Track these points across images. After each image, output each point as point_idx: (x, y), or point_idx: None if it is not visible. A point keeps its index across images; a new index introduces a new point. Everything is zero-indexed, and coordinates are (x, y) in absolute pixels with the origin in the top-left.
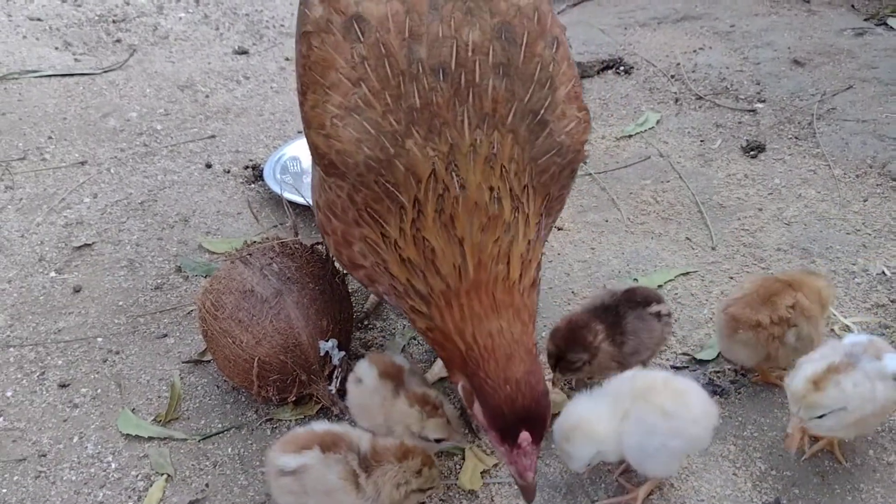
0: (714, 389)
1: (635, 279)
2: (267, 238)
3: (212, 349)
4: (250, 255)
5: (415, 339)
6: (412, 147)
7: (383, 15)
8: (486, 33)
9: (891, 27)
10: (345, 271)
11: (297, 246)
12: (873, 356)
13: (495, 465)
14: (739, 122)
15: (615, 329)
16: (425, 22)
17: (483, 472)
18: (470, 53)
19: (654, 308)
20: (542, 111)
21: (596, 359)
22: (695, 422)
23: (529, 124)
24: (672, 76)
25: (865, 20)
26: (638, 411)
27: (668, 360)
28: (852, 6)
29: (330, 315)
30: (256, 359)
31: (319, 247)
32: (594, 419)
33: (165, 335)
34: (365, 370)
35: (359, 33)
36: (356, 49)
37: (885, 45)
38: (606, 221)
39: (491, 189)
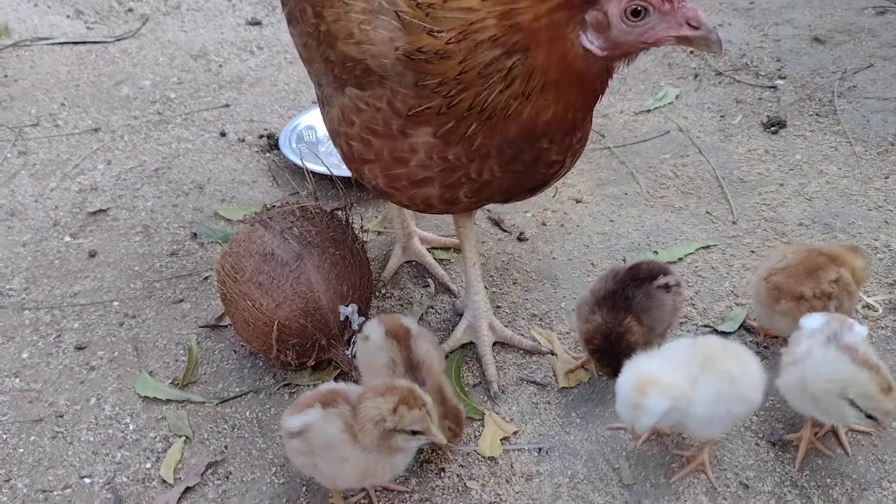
0: None
1: (655, 252)
2: (287, 202)
3: (230, 312)
4: (270, 218)
5: (432, 308)
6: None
7: None
8: None
9: None
10: (366, 235)
11: (317, 210)
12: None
13: (515, 433)
14: (760, 99)
15: (628, 312)
16: None
17: (503, 440)
18: None
19: (661, 280)
20: None
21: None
22: (755, 386)
23: None
24: (691, 52)
25: None
26: (707, 378)
27: (689, 332)
28: None
29: (350, 280)
30: (276, 322)
31: (339, 213)
32: (671, 375)
33: (182, 300)
34: (373, 327)
35: None
36: None
37: None
38: (626, 195)
39: None
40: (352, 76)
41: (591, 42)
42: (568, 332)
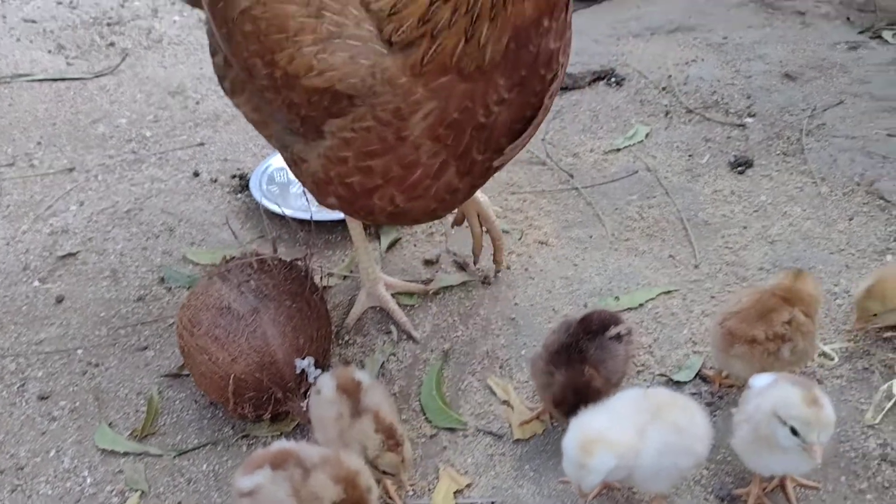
0: None
1: (616, 297)
2: (245, 253)
3: (189, 365)
4: (228, 271)
5: (394, 356)
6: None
7: None
8: None
9: (885, 40)
10: (331, 280)
11: (275, 262)
12: None
13: (468, 486)
14: (728, 137)
15: (585, 363)
16: None
17: (456, 492)
18: None
19: (613, 331)
20: None
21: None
22: (701, 439)
23: None
24: (663, 88)
25: (860, 33)
26: (655, 428)
27: (645, 381)
28: (847, 18)
29: (307, 333)
30: (232, 376)
31: (299, 262)
32: (616, 432)
33: (146, 347)
34: (325, 382)
35: None
36: None
37: (879, 59)
38: (591, 237)
39: None
40: (321, 110)
41: None
42: (526, 381)
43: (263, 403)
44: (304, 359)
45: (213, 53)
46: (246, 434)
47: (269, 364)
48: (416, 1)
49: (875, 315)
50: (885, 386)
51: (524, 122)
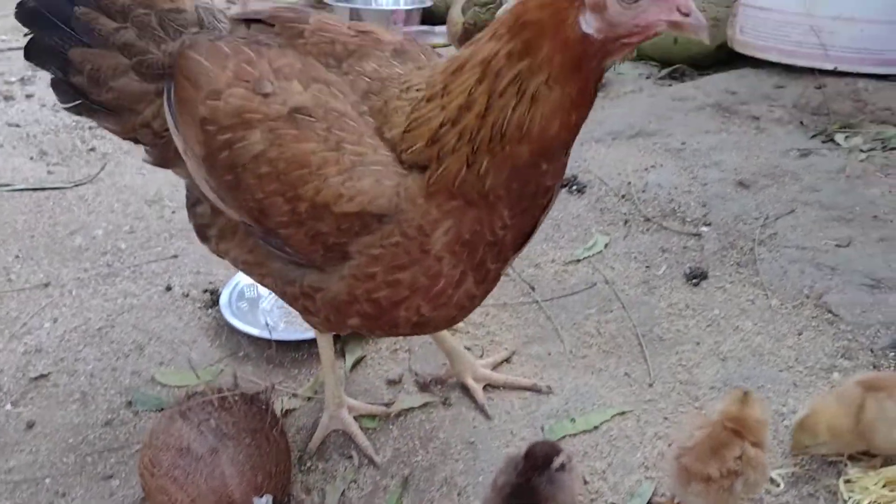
0: None
1: (573, 419)
2: (207, 389)
3: None
4: (189, 409)
5: (355, 483)
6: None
7: (312, 95)
8: (381, 59)
9: (837, 144)
10: (296, 401)
11: (236, 398)
12: None
13: None
14: (684, 247)
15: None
16: (335, 83)
17: None
18: (378, 70)
19: (557, 462)
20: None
21: None
22: None
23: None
24: (623, 196)
25: (813, 137)
26: None
27: None
28: (801, 122)
29: (265, 469)
30: None
31: (261, 395)
32: None
33: (111, 476)
34: None
35: (306, 117)
36: (315, 128)
37: (829, 166)
38: (549, 354)
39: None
40: (351, 234)
41: (588, 24)
42: None
43: None
44: (262, 497)
45: (195, 205)
46: None
47: None
48: (427, 122)
49: (807, 447)
50: None
51: (526, 237)
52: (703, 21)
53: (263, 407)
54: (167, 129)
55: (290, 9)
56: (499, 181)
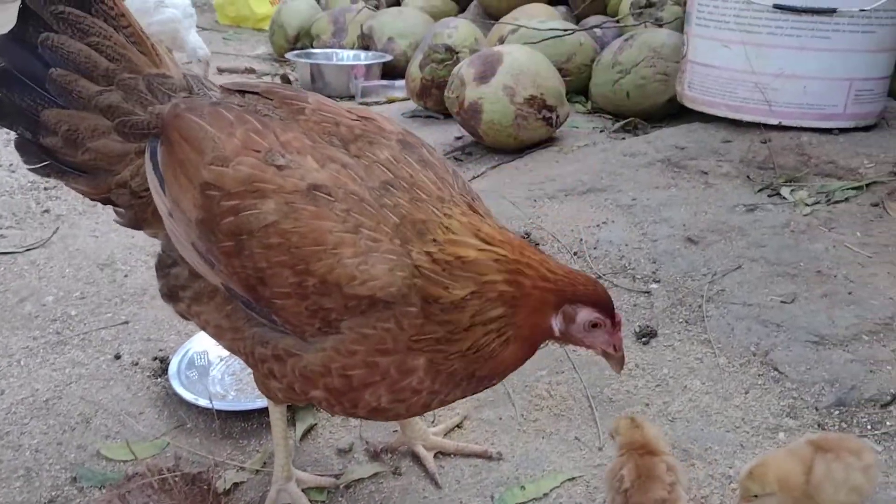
0: None
1: (523, 487)
2: (148, 469)
3: None
4: (129, 492)
5: None
6: (432, 249)
7: (330, 175)
8: (392, 148)
9: (783, 197)
10: (243, 474)
11: (176, 480)
12: None
13: None
14: (634, 305)
15: None
16: (352, 167)
17: None
18: (393, 164)
19: None
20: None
21: None
22: None
23: (460, 179)
24: (575, 253)
25: (759, 191)
26: None
27: None
28: (748, 177)
29: None
30: None
31: (203, 475)
32: None
33: None
34: None
35: (326, 196)
36: (334, 207)
37: (774, 221)
38: (500, 419)
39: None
40: (356, 312)
41: (555, 324)
42: None
43: None
44: None
45: (170, 266)
46: None
47: None
48: (438, 283)
49: (755, 496)
50: None
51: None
52: (622, 360)
53: (205, 487)
54: (146, 190)
55: (285, 86)
56: (464, 375)
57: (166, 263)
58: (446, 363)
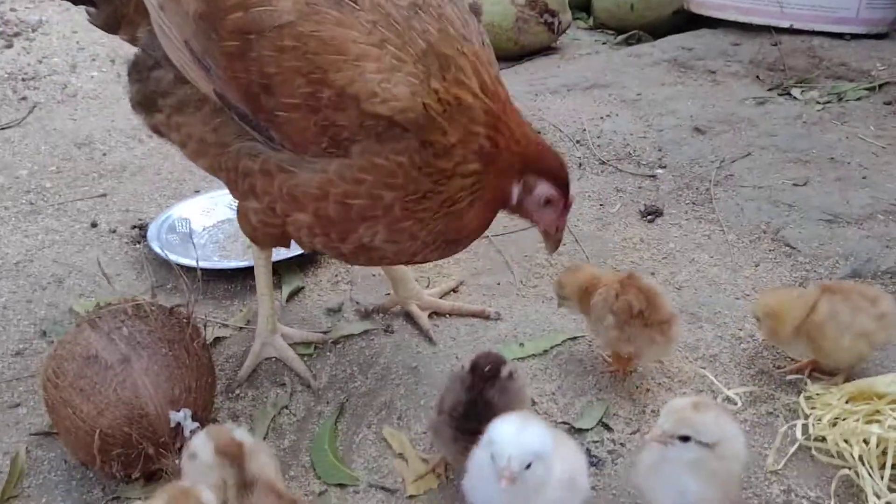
0: (591, 460)
1: (521, 344)
2: (123, 300)
3: (54, 420)
4: (99, 318)
5: (287, 409)
6: (438, 87)
7: None
8: None
9: (794, 97)
10: (227, 331)
11: (152, 308)
12: None
13: None
14: (639, 187)
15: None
16: None
17: None
18: None
19: (505, 371)
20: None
21: None
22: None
23: (476, 23)
24: (577, 141)
25: (769, 90)
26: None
27: None
28: (757, 77)
29: (184, 383)
30: (98, 431)
31: (181, 308)
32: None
33: (18, 404)
34: (201, 444)
35: (351, 3)
36: (360, 17)
37: (786, 113)
38: (498, 284)
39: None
40: (370, 134)
41: (514, 192)
42: (424, 433)
43: (133, 461)
44: (179, 411)
45: (150, 69)
46: (117, 496)
47: (140, 417)
48: (448, 160)
49: (758, 319)
50: (784, 429)
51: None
52: (560, 243)
53: (184, 319)
54: None
55: None
56: (436, 229)
57: (146, 65)
58: (430, 210)
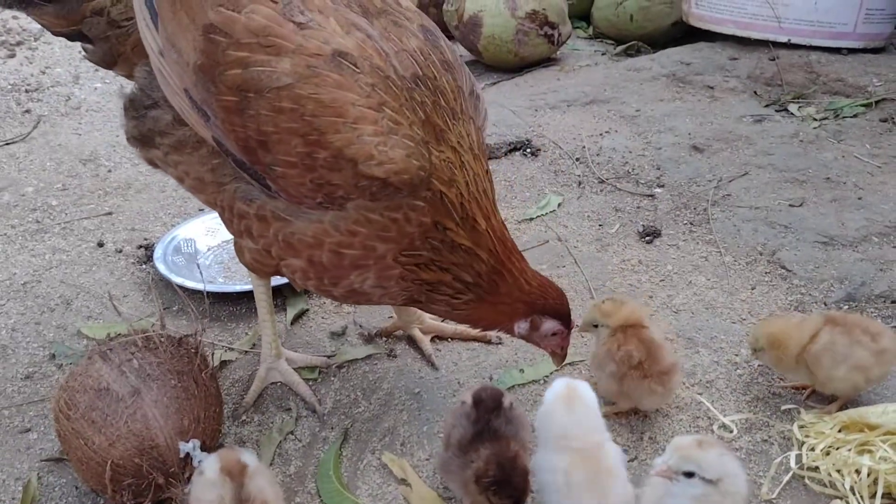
0: None
1: (521, 370)
2: (131, 330)
3: (66, 451)
4: (110, 349)
5: (292, 434)
6: (434, 156)
7: (356, 44)
8: (418, 38)
9: (791, 113)
10: (232, 354)
11: (162, 339)
12: None
13: None
14: (638, 207)
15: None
16: (378, 41)
17: None
18: (422, 58)
19: (506, 402)
20: (473, 87)
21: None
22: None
23: (472, 104)
24: (577, 159)
25: (766, 106)
26: None
27: None
28: (755, 93)
29: (192, 413)
30: (109, 462)
31: (189, 338)
32: None
33: (29, 429)
34: (210, 463)
35: (351, 66)
36: (360, 80)
37: (782, 131)
38: None
39: (486, 172)
40: (364, 193)
41: (518, 328)
42: (427, 459)
43: (143, 490)
44: (188, 441)
45: (149, 108)
46: None
47: (150, 448)
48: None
49: (755, 350)
50: (780, 459)
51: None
52: (566, 358)
53: (192, 350)
54: (128, 19)
55: None
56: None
57: (143, 104)
58: (413, 282)
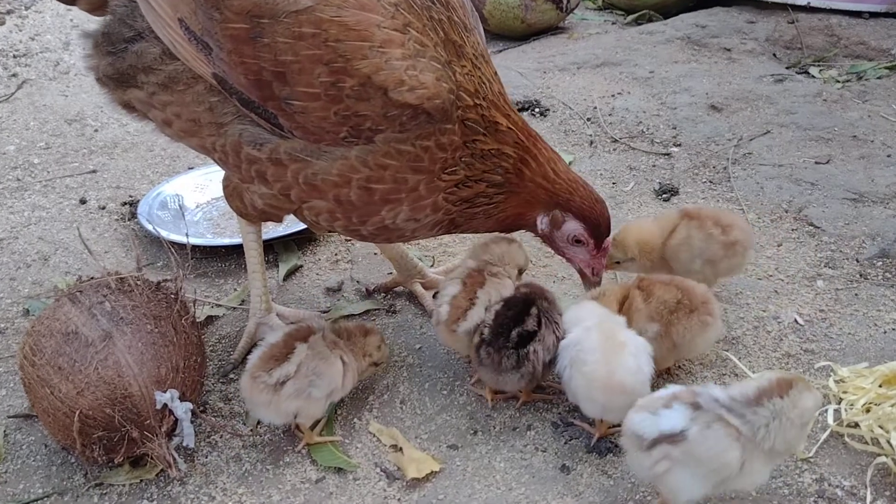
0: (612, 448)
1: None
2: (105, 273)
3: (31, 401)
4: (80, 292)
5: None
6: (458, 73)
7: None
8: None
9: (812, 75)
10: (220, 310)
11: (137, 282)
12: None
13: None
14: (654, 166)
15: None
16: None
17: None
18: None
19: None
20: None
21: None
22: None
23: (473, 16)
24: (588, 119)
25: (787, 68)
26: None
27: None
28: (774, 55)
29: (171, 362)
30: (77, 412)
31: (168, 283)
32: None
33: None
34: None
35: None
36: (382, 0)
37: (805, 91)
38: None
39: (494, 74)
40: (394, 123)
41: (540, 222)
42: (429, 418)
43: (116, 445)
44: (165, 392)
45: (128, 40)
46: (100, 482)
47: (123, 398)
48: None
49: (618, 262)
50: (815, 415)
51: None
52: (595, 285)
53: (172, 295)
54: None
55: None
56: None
57: (122, 37)
58: (454, 204)
